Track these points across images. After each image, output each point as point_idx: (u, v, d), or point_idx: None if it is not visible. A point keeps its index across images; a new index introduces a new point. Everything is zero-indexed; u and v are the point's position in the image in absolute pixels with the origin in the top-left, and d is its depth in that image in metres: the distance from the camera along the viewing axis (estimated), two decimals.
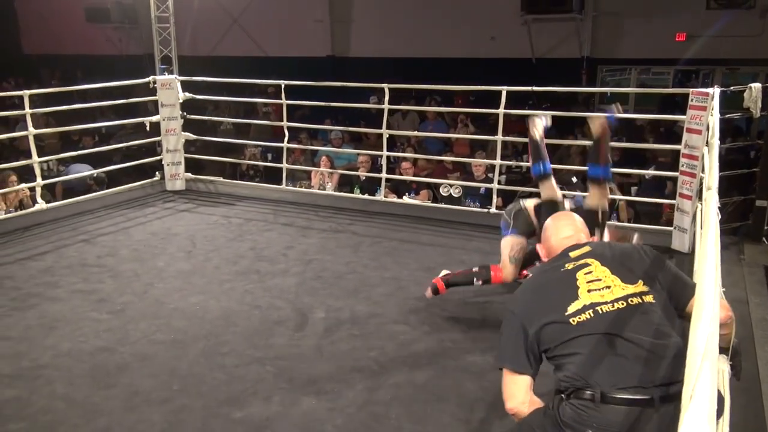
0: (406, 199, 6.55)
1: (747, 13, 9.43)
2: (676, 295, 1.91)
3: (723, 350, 1.87)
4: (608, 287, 1.87)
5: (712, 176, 2.37)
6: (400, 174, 7.00)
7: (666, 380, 1.69)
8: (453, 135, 9.10)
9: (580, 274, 1.92)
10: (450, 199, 6.61)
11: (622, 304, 1.83)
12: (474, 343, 3.46)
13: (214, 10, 12.81)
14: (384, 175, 6.21)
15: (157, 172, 6.85)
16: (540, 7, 10.29)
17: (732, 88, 4.95)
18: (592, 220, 3.25)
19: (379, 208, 6.07)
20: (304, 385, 3.05)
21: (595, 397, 1.70)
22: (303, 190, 6.90)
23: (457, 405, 2.89)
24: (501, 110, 5.54)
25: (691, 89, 4.83)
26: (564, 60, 10.74)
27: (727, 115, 4.93)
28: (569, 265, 1.97)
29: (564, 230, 2.17)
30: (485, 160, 6.74)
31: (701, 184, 4.35)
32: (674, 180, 5.02)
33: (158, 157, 6.82)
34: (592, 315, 1.81)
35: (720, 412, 1.70)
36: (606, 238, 3.53)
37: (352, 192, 6.92)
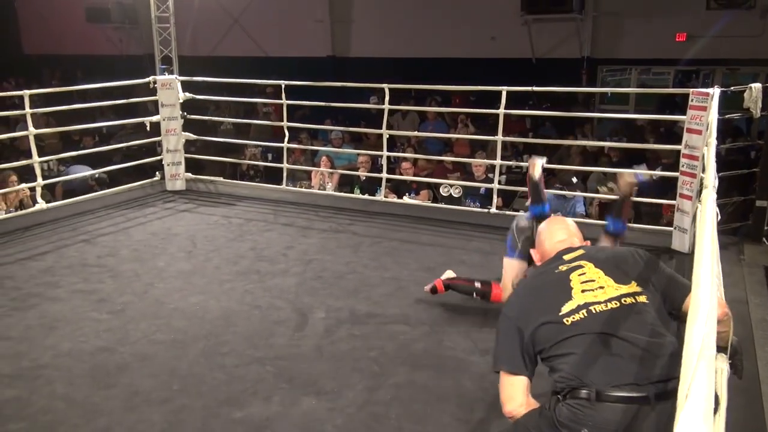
0: (406, 200, 6.55)
1: (747, 14, 9.42)
2: (671, 296, 1.93)
3: (721, 349, 1.88)
4: (602, 288, 1.88)
5: (709, 174, 2.39)
6: (401, 174, 7.00)
7: (661, 378, 1.70)
8: (453, 135, 9.11)
9: (573, 275, 1.94)
10: (450, 199, 6.61)
11: (616, 303, 1.84)
12: (474, 343, 3.46)
13: (215, 10, 12.81)
14: (384, 175, 6.21)
15: (157, 172, 6.86)
16: (540, 7, 10.28)
17: (732, 88, 4.95)
18: None
19: (380, 208, 6.07)
20: (304, 385, 3.05)
21: (590, 396, 1.71)
22: (303, 190, 6.91)
23: (457, 405, 2.89)
24: (501, 110, 5.53)
25: (691, 89, 4.83)
26: (564, 60, 10.74)
27: (727, 116, 4.93)
28: (563, 267, 1.99)
29: (558, 234, 2.20)
30: (485, 160, 6.73)
31: (701, 184, 4.35)
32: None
33: (158, 157, 6.83)
34: (585, 314, 1.82)
35: (714, 411, 1.70)
36: None
37: (353, 192, 6.92)
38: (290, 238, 5.27)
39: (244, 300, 4.05)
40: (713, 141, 3.17)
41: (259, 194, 6.65)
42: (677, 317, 1.93)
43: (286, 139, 6.60)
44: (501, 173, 6.47)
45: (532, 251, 2.30)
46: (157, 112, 6.64)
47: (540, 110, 8.25)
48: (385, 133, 6.19)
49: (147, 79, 6.56)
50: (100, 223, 5.66)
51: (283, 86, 6.40)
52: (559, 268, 1.99)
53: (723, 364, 1.86)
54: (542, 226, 2.33)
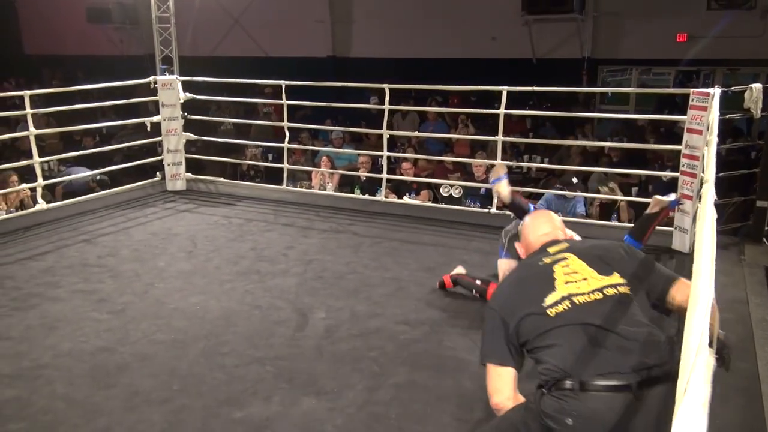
0: (406, 200, 6.55)
1: (748, 14, 9.42)
2: (654, 287, 1.95)
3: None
4: (585, 279, 1.90)
5: (709, 170, 2.39)
6: (401, 174, 7.01)
7: (644, 366, 1.71)
8: (453, 135, 9.11)
9: (557, 267, 1.95)
10: (450, 200, 6.62)
11: (599, 294, 1.86)
12: (474, 343, 3.45)
13: (215, 10, 12.82)
14: (384, 175, 6.21)
15: (157, 173, 6.86)
16: (541, 7, 10.29)
17: (733, 88, 4.95)
18: None
19: (380, 208, 6.07)
20: (304, 385, 3.05)
21: (574, 386, 1.72)
22: (303, 190, 6.91)
23: (457, 405, 2.89)
24: (502, 110, 5.53)
25: (691, 89, 4.83)
26: (565, 60, 10.74)
27: (727, 116, 4.93)
28: (547, 260, 2.01)
29: (542, 227, 2.21)
30: (486, 161, 6.73)
31: (702, 184, 4.35)
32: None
33: (159, 158, 6.83)
34: (569, 306, 1.84)
35: None
36: None
37: (353, 192, 6.93)
38: (291, 239, 5.27)
39: (244, 300, 4.05)
40: (714, 139, 3.17)
41: (259, 194, 6.66)
42: (663, 308, 1.95)
43: (287, 139, 6.60)
44: None
45: (516, 245, 2.32)
46: (157, 113, 6.65)
47: (540, 110, 8.26)
48: (386, 133, 6.19)
49: (148, 80, 6.56)
50: (101, 223, 5.67)
51: (283, 86, 6.40)
52: (543, 260, 2.01)
53: (710, 357, 1.86)
54: (526, 219, 2.34)
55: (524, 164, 8.07)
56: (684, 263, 4.39)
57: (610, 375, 1.70)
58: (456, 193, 6.66)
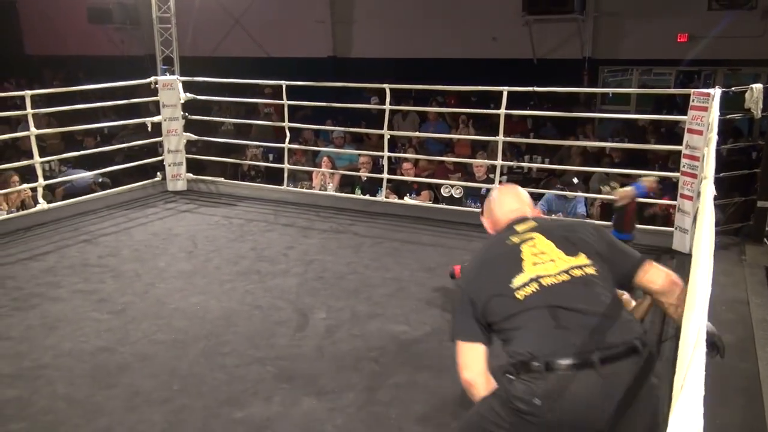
0: (407, 200, 6.55)
1: (748, 14, 9.41)
2: (619, 267, 1.97)
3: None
4: (552, 260, 1.90)
5: (708, 167, 2.40)
6: (401, 174, 7.00)
7: (607, 344, 1.73)
8: (454, 135, 9.11)
9: (525, 247, 1.95)
10: (451, 200, 6.61)
11: (566, 276, 1.87)
12: None
13: (216, 10, 12.83)
14: (385, 175, 6.21)
15: (158, 173, 6.87)
16: (541, 7, 10.29)
17: (733, 88, 4.95)
18: None
19: (380, 208, 6.07)
20: (304, 386, 3.06)
21: (540, 368, 1.74)
22: (304, 190, 6.91)
23: (457, 405, 2.89)
24: (502, 111, 5.53)
25: (692, 90, 4.83)
26: (565, 61, 10.74)
27: (728, 116, 4.93)
28: (515, 239, 2.00)
29: (509, 203, 2.18)
30: (486, 161, 6.73)
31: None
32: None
33: (160, 158, 6.84)
34: (537, 288, 1.85)
35: None
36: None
37: (353, 192, 6.92)
38: (291, 239, 5.27)
39: (244, 300, 4.05)
40: (714, 137, 3.17)
41: (260, 195, 6.66)
42: (629, 288, 1.96)
43: (287, 139, 6.60)
44: (502, 174, 6.47)
45: (482, 219, 2.25)
46: (158, 113, 6.65)
47: (541, 111, 8.26)
48: (387, 133, 6.19)
49: (148, 80, 6.57)
50: (102, 224, 5.67)
51: (284, 86, 6.40)
52: (511, 239, 2.00)
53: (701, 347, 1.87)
54: (493, 193, 2.27)
55: (525, 164, 8.07)
56: (684, 263, 4.39)
57: (575, 355, 1.72)
58: (457, 193, 6.65)
